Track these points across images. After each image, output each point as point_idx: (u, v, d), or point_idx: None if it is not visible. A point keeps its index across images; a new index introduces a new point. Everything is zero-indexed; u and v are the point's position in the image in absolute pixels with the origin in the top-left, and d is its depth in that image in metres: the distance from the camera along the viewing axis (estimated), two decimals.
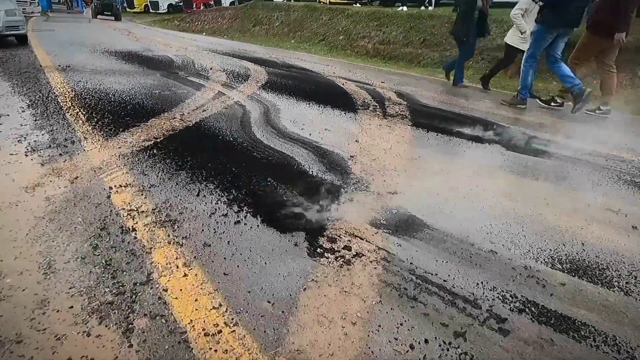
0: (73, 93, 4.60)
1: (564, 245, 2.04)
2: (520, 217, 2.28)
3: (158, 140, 3.28)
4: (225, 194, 2.41)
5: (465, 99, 5.45)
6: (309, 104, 4.63)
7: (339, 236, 2.00)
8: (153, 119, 3.81)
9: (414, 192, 2.51)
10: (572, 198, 2.56)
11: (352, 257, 1.85)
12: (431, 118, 4.27)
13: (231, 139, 3.37)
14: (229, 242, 1.94)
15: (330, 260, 1.82)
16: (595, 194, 2.63)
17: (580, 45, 4.99)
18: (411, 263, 1.82)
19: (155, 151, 3.04)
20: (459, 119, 4.30)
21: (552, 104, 5.23)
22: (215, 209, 2.23)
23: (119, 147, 3.09)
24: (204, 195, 2.39)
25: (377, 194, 2.47)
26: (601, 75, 5.01)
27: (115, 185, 2.46)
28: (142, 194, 2.37)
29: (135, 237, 1.94)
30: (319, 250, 1.89)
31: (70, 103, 4.19)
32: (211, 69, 6.79)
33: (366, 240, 1.98)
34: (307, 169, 2.80)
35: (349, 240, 1.97)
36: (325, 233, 2.02)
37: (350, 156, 3.08)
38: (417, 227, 2.11)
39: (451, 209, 2.33)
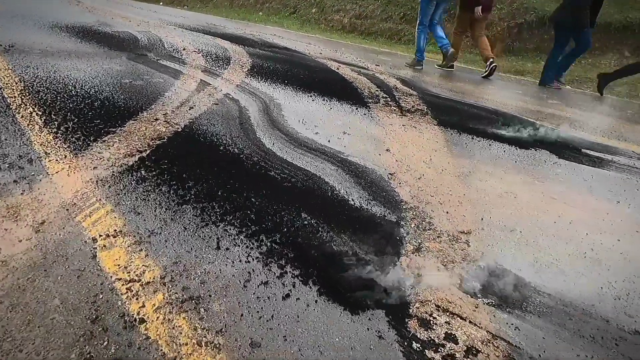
0: (22, 84, 3.72)
1: None
2: None
3: (144, 154, 2.58)
4: (255, 243, 1.80)
5: (474, 86, 4.96)
6: (311, 96, 3.99)
7: (432, 316, 1.46)
8: (130, 122, 3.07)
9: (489, 231, 1.99)
10: None
11: (463, 357, 1.31)
12: (453, 113, 3.75)
13: (235, 150, 2.71)
14: (285, 336, 1.36)
15: None
16: None
17: (457, 19, 6.67)
18: None
19: (143, 172, 2.35)
20: (482, 113, 3.80)
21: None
22: (249, 272, 1.63)
23: (94, 168, 2.37)
24: (227, 248, 1.77)
25: (448, 236, 1.93)
26: (476, 41, 6.46)
27: (100, 235, 1.79)
28: (141, 249, 1.72)
29: (148, 338, 1.31)
30: (414, 345, 1.34)
31: (20, 99, 3.34)
32: (184, 49, 5.94)
33: (469, 321, 1.45)
34: (346, 197, 2.22)
35: (448, 323, 1.43)
36: (411, 311, 1.47)
37: (390, 174, 2.51)
38: (524, 293, 1.60)
39: (548, 255, 1.83)
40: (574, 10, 5.14)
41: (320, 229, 1.93)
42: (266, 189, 2.24)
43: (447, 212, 2.12)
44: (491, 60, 6.02)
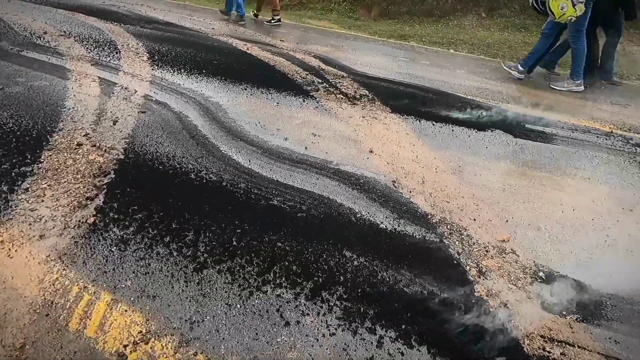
0: None
1: None
2: None
3: (98, 201, 2.00)
4: (324, 307, 1.54)
5: (393, 59, 5.02)
6: (245, 89, 3.58)
7: (546, 350, 1.44)
8: (46, 153, 2.36)
9: (522, 233, 2.04)
10: None
11: None
12: (398, 97, 3.73)
13: (211, 176, 2.29)
14: None
15: None
16: None
17: None
18: None
19: (117, 230, 1.83)
20: (425, 94, 3.87)
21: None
22: (343, 348, 1.39)
23: (41, 237, 1.76)
24: (297, 321, 1.48)
25: (494, 249, 1.93)
26: None
27: (126, 345, 1.34)
28: (195, 352, 1.34)
29: None
30: None
31: None
32: (46, 33, 4.76)
33: (578, 346, 1.47)
34: (372, 219, 2.05)
35: (564, 354, 1.43)
36: (526, 351, 1.43)
37: (392, 181, 2.40)
38: (599, 301, 1.68)
39: (581, 250, 1.95)
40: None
41: (375, 267, 1.74)
42: (285, 227, 1.93)
43: (474, 220, 2.10)
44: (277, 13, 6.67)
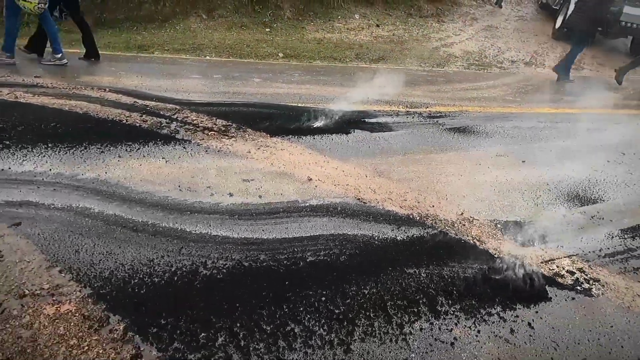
0: None
1: None
2: None
3: None
4: None
5: (186, 78, 4.97)
6: (109, 152, 3.02)
7: (538, 265, 2.30)
8: None
9: (464, 204, 2.85)
10: None
11: None
12: (260, 121, 3.89)
13: (212, 265, 2.10)
14: None
15: None
16: None
17: None
18: None
19: None
20: (274, 111, 4.16)
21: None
22: None
23: None
24: None
25: (464, 222, 2.66)
26: None
27: None
28: None
29: None
30: None
31: None
32: None
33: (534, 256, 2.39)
34: (385, 236, 2.43)
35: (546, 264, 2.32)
36: (526, 268, 2.24)
37: (357, 199, 2.78)
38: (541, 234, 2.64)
39: (504, 198, 2.92)
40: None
41: (422, 269, 2.18)
42: (334, 272, 2.08)
43: (433, 206, 2.76)
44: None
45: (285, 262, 2.09)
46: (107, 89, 4.24)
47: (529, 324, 1.89)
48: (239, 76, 5.55)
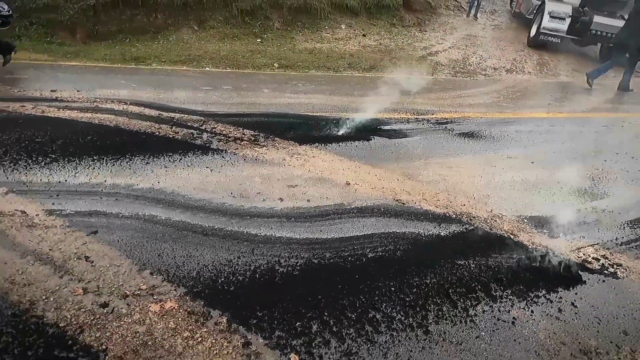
0: None
1: None
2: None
3: None
4: None
5: (198, 89, 5.12)
6: (158, 163, 3.16)
7: (572, 253, 2.60)
8: None
9: (490, 202, 3.13)
10: None
11: None
12: (286, 130, 4.09)
13: (284, 263, 2.30)
14: None
15: None
16: None
17: None
18: None
19: None
20: (296, 120, 4.35)
21: None
22: None
23: None
24: None
25: (495, 218, 2.93)
26: None
27: None
28: None
29: None
30: None
31: None
32: None
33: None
34: (431, 232, 2.67)
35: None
36: (555, 254, 2.53)
37: (395, 200, 3.01)
38: (549, 218, 2.94)
39: (525, 194, 3.21)
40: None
41: (471, 259, 2.43)
42: (395, 267, 2.31)
43: (464, 205, 3.03)
44: None
45: (349, 258, 2.30)
46: (129, 102, 4.34)
47: (572, 303, 2.16)
48: (247, 87, 5.73)
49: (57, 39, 8.86)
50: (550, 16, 9.58)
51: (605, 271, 2.43)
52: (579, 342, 1.94)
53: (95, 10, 8.82)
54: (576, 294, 2.23)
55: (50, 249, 2.11)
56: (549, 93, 7.39)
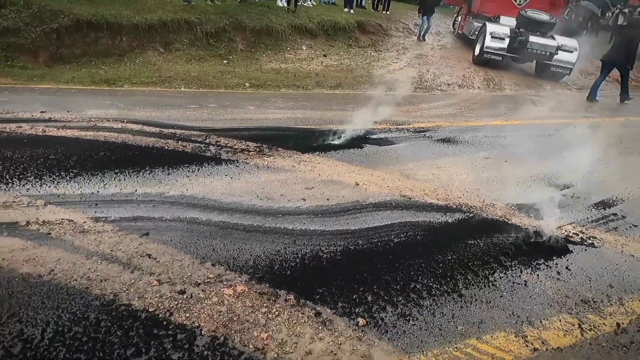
0: None
1: None
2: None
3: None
4: None
5: (186, 108, 5.33)
6: (182, 174, 3.36)
7: (556, 231, 3.09)
8: None
9: (482, 194, 3.59)
10: None
11: None
12: (286, 141, 4.39)
13: (334, 250, 2.60)
14: None
15: None
16: None
17: None
18: None
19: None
20: (293, 133, 4.66)
21: None
22: None
23: None
24: None
25: (488, 206, 3.39)
26: None
27: None
28: None
29: None
30: None
31: None
32: None
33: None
34: (440, 220, 3.07)
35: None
36: (543, 234, 3.02)
37: (402, 196, 3.39)
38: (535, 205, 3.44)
39: (504, 185, 3.70)
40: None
41: (480, 239, 2.85)
42: (419, 249, 2.67)
43: (461, 197, 3.47)
44: None
45: (379, 244, 2.62)
46: (125, 121, 4.46)
47: (567, 267, 2.60)
48: (231, 105, 5.96)
49: (19, 63, 8.65)
50: (492, 36, 10.62)
51: (585, 242, 2.92)
52: (579, 295, 2.36)
53: (59, 33, 8.72)
54: (567, 260, 2.68)
55: (111, 250, 2.27)
56: (501, 104, 8.20)
